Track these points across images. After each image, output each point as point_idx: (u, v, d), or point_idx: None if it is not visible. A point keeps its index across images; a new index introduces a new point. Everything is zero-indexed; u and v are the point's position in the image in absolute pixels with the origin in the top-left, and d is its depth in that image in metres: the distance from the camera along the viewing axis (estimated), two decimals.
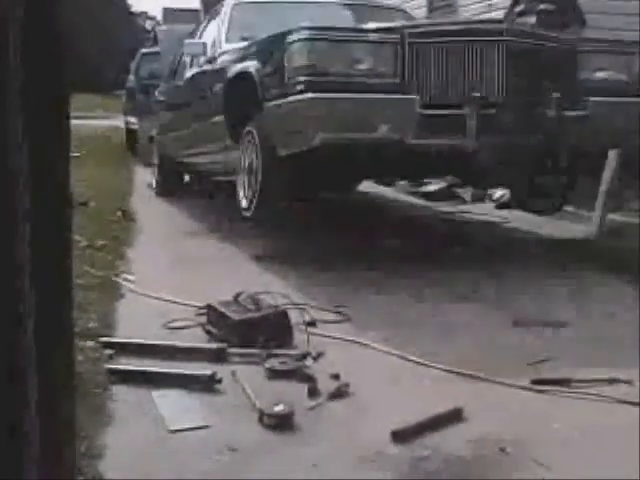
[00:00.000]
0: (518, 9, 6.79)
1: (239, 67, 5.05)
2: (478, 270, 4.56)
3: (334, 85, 4.10)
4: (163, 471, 2.32)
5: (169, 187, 8.03)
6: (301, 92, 4.12)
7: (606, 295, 4.22)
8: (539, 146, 4.48)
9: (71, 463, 1.08)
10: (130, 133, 12.70)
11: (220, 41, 6.00)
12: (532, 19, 6.60)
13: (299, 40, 4.18)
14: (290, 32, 4.29)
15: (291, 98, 4.21)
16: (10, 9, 0.92)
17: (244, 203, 4.97)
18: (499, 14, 7.26)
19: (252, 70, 4.74)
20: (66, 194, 1.11)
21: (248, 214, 4.88)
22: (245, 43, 5.41)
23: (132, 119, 12.25)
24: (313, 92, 4.06)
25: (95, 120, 16.76)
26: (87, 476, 2.15)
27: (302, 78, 4.14)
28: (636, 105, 4.58)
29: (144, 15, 51.01)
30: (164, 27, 15.76)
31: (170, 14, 41.31)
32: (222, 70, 5.55)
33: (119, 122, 15.09)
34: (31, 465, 0.93)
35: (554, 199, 5.57)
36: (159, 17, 44.28)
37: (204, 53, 6.18)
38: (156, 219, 6.85)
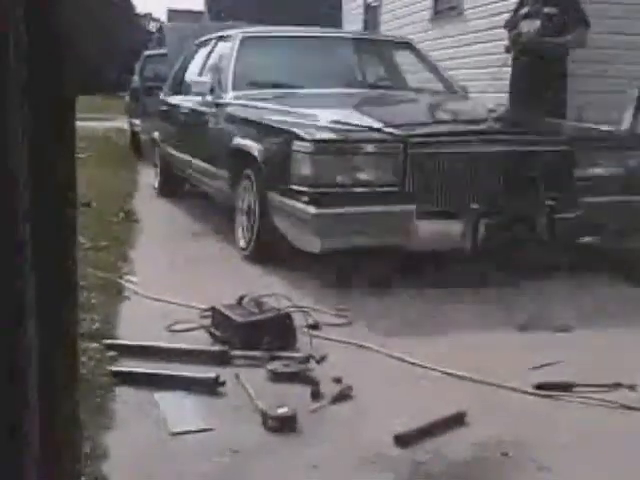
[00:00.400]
0: (522, 12, 6.79)
1: (244, 143, 5.10)
2: (480, 273, 4.54)
3: (336, 198, 4.20)
4: (165, 473, 2.32)
5: (171, 189, 8.03)
6: (305, 203, 4.21)
7: (609, 299, 4.21)
8: (531, 253, 4.55)
9: (71, 464, 1.08)
10: (134, 134, 12.71)
11: (227, 86, 5.96)
12: (536, 22, 6.59)
13: (304, 152, 4.26)
14: (296, 136, 4.36)
15: (296, 204, 4.29)
16: (10, 9, 0.92)
17: (242, 243, 5.03)
18: (504, 17, 7.25)
19: (256, 154, 4.82)
20: (68, 194, 1.11)
21: (246, 254, 4.94)
22: (251, 102, 5.49)
23: (136, 121, 12.25)
24: (316, 207, 4.15)
25: (98, 121, 16.78)
26: (90, 477, 2.15)
27: (305, 189, 4.24)
28: (633, 203, 4.59)
29: (148, 16, 51.10)
30: (170, 25, 15.77)
31: (174, 15, 41.41)
32: (228, 127, 5.59)
33: (122, 123, 15.11)
34: (31, 465, 0.93)
35: None
36: (163, 18, 44.37)
37: (211, 93, 6.13)
38: (158, 220, 6.85)
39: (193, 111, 6.71)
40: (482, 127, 4.84)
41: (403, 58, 7.13)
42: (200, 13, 35.96)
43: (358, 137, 4.38)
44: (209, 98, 6.12)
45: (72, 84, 1.02)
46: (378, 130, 4.40)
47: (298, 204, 4.26)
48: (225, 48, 6.51)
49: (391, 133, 4.36)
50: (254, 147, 4.87)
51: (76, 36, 1.05)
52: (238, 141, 5.19)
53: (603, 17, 7.15)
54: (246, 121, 5.34)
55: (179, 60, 8.15)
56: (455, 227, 4.27)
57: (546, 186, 4.45)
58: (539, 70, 6.47)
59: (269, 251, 4.79)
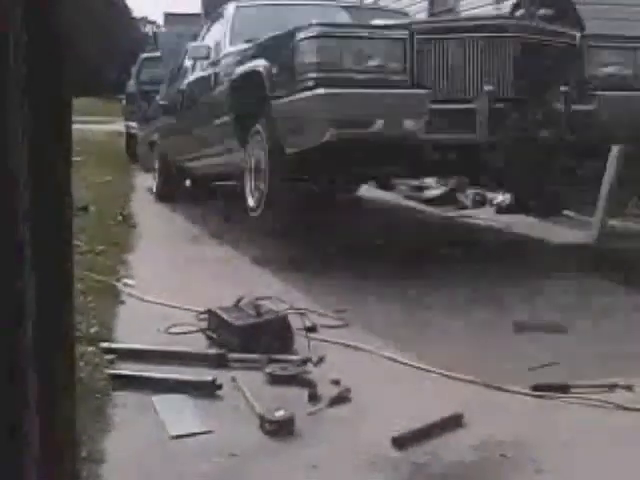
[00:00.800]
0: (517, 14, 6.79)
1: (246, 67, 5.05)
2: (478, 274, 4.55)
3: (345, 81, 4.12)
4: (163, 476, 2.31)
5: (170, 192, 8.03)
6: (312, 88, 4.13)
7: (606, 300, 4.21)
8: (549, 141, 4.48)
9: (71, 464, 1.08)
10: (131, 138, 12.71)
11: (224, 43, 6.00)
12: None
13: (309, 37, 4.19)
14: (299, 29, 4.31)
15: (301, 94, 4.21)
16: (10, 9, 0.93)
17: (251, 203, 4.98)
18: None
19: (260, 69, 4.75)
20: (66, 195, 1.11)
21: (255, 214, 4.90)
22: (250, 44, 5.43)
23: (133, 124, 12.26)
24: (324, 87, 4.07)
25: (95, 124, 16.77)
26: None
27: (313, 74, 4.15)
28: None
29: (145, 20, 51.12)
30: (164, 29, 15.78)
31: (171, 19, 41.41)
32: (227, 71, 5.55)
33: (119, 127, 15.10)
34: (31, 465, 0.93)
35: (557, 202, 5.58)
36: (160, 21, 44.36)
37: (208, 56, 6.18)
38: (156, 224, 6.85)
39: (193, 82, 6.71)
40: (492, 16, 4.83)
41: None
42: (197, 15, 35.95)
43: (364, 24, 4.41)
44: (206, 62, 6.14)
45: (71, 84, 1.03)
46: (383, 27, 4.38)
47: (305, 92, 4.17)
48: (220, 22, 6.54)
49: (396, 24, 4.37)
50: (258, 64, 4.80)
51: (76, 36, 1.05)
52: (241, 69, 5.11)
53: (602, 19, 7.15)
54: (245, 51, 5.29)
55: (174, 61, 8.17)
56: (468, 114, 4.19)
57: (559, 78, 4.44)
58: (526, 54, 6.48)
59: (281, 203, 4.71)
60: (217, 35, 6.39)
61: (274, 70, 4.61)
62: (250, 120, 5.03)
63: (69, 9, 0.97)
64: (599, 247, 5.12)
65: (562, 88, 4.37)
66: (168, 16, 43.43)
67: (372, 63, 4.19)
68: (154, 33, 13.78)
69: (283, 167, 4.61)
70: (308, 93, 4.14)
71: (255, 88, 4.81)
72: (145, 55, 13.23)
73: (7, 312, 0.91)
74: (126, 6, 41.21)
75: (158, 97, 8.62)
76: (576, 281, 4.54)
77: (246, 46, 5.44)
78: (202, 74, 6.37)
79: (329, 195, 5.81)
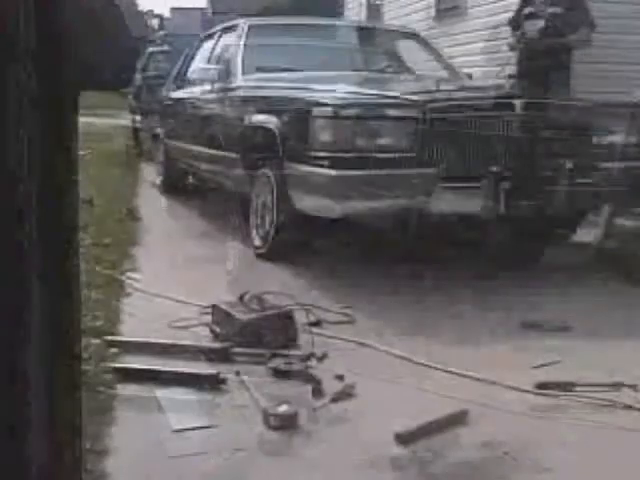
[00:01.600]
0: (526, 11, 6.76)
1: (259, 119, 5.10)
2: (482, 273, 4.54)
3: (357, 161, 4.18)
4: (166, 470, 2.31)
5: (174, 186, 8.03)
6: (325, 167, 4.21)
7: (611, 299, 4.20)
8: (551, 217, 4.55)
9: (72, 463, 1.08)
10: (136, 131, 12.70)
11: (236, 72, 5.96)
12: (540, 22, 6.57)
13: (324, 117, 4.28)
14: (315, 104, 4.39)
15: (314, 169, 4.31)
16: (11, 8, 0.92)
17: (257, 242, 5.03)
18: (507, 16, 7.23)
19: (273, 127, 4.82)
20: (71, 193, 1.11)
21: (262, 252, 4.94)
22: (266, 78, 5.47)
23: (138, 117, 12.25)
24: (337, 170, 4.15)
25: (100, 118, 16.77)
26: (91, 475, 2.15)
27: (326, 154, 4.25)
28: None
29: (150, 13, 51.02)
30: (165, 32, 15.78)
31: (177, 13, 41.38)
32: (238, 110, 5.57)
33: (124, 120, 15.09)
34: (31, 465, 0.93)
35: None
36: (166, 15, 44.28)
37: (219, 78, 6.13)
38: (161, 218, 6.85)
39: (201, 100, 6.69)
40: (500, 93, 4.83)
41: (409, 48, 7.12)
42: (202, 10, 35.92)
43: (377, 102, 4.39)
44: (218, 85, 6.12)
45: (73, 82, 1.02)
46: (396, 97, 4.40)
47: (318, 169, 4.25)
48: (231, 38, 6.52)
49: (409, 99, 4.37)
50: (271, 122, 4.86)
51: (75, 34, 1.05)
52: (254, 118, 5.16)
53: (610, 17, 7.12)
54: (260, 98, 5.34)
55: (182, 55, 8.15)
56: (476, 191, 4.23)
57: (564, 152, 4.44)
58: (542, 69, 6.45)
59: (287, 248, 4.76)
60: (228, 54, 6.30)
61: (286, 132, 4.69)
62: (259, 162, 5.09)
63: (70, 6, 0.96)
64: (604, 246, 5.10)
65: (567, 165, 4.38)
66: (174, 10, 43.38)
67: (384, 142, 4.25)
68: (160, 29, 13.78)
69: (290, 218, 4.68)
70: (321, 170, 4.24)
71: (267, 140, 4.89)
72: (151, 49, 13.20)
73: (8, 311, 0.91)
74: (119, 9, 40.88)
75: (164, 91, 8.60)
76: (581, 280, 4.52)
77: (258, 87, 5.49)
78: (212, 96, 6.31)
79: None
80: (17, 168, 0.96)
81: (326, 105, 4.32)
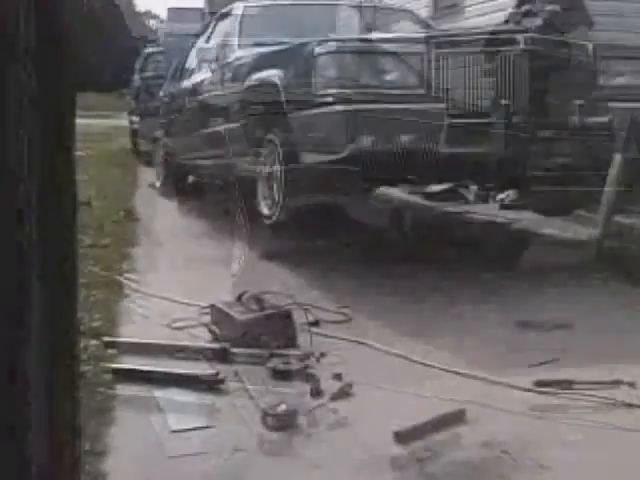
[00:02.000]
0: (524, 9, 6.75)
1: (259, 75, 5.04)
2: (481, 271, 4.54)
3: (363, 97, 4.13)
4: (165, 471, 2.31)
5: (173, 187, 8.02)
6: (330, 104, 4.15)
7: (609, 297, 4.20)
8: (564, 154, 4.49)
9: (71, 463, 1.08)
10: (135, 133, 12.70)
11: (233, 46, 5.95)
12: (538, 20, 6.57)
13: (328, 52, 4.22)
14: (317, 43, 4.32)
15: (320, 109, 4.24)
16: (11, 8, 0.92)
17: (265, 211, 4.98)
18: (505, 14, 7.22)
19: (275, 79, 4.75)
20: (70, 192, 1.11)
21: (270, 221, 4.90)
22: (261, 49, 5.41)
23: (136, 118, 12.25)
24: (343, 104, 4.10)
25: (98, 119, 16.75)
26: (90, 476, 2.15)
27: (331, 90, 4.18)
28: None
29: (148, 14, 50.95)
30: (164, 26, 15.74)
31: (175, 13, 41.27)
32: (238, 77, 5.51)
33: (122, 121, 15.07)
34: (31, 465, 0.93)
35: (567, 203, 5.56)
36: (163, 15, 44.19)
37: (217, 59, 6.13)
38: (159, 219, 6.84)
39: (200, 84, 6.66)
40: (507, 29, 4.81)
41: (406, 25, 7.09)
42: (201, 10, 35.85)
43: (381, 37, 4.37)
44: (215, 65, 6.10)
45: (72, 83, 1.02)
46: (398, 38, 4.39)
47: (323, 108, 4.19)
48: (227, 21, 6.51)
49: (412, 36, 4.35)
50: (272, 75, 4.80)
51: (76, 34, 1.05)
52: (254, 77, 5.10)
53: (608, 15, 7.12)
54: (259, 59, 5.28)
55: (179, 59, 8.15)
56: (485, 127, 4.20)
57: (574, 90, 4.43)
58: (540, 67, 6.44)
59: (295, 212, 4.70)
60: (224, 36, 6.32)
61: (290, 81, 4.62)
62: (262, 128, 5.03)
63: (70, 7, 0.97)
64: (603, 244, 5.10)
65: (577, 101, 4.37)
66: (172, 10, 43.29)
67: (389, 78, 4.20)
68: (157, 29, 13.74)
69: (298, 177, 4.61)
70: (327, 109, 4.17)
71: (269, 98, 4.82)
72: (149, 50, 13.20)
73: (8, 312, 0.91)
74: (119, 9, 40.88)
75: (161, 92, 8.60)
76: (579, 278, 4.52)
77: (258, 51, 5.42)
78: (210, 77, 6.31)
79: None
80: (17, 168, 0.96)
81: (328, 41, 4.24)
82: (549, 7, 6.52)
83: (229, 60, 5.89)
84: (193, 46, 7.83)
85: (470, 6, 9.15)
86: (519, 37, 4.49)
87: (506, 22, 7.02)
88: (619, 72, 4.68)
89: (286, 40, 5.66)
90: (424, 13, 10.35)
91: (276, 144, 4.81)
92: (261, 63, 5.19)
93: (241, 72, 5.52)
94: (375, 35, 4.68)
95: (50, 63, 0.99)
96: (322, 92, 4.24)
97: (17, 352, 0.92)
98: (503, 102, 4.20)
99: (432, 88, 4.21)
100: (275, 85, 4.74)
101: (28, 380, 0.94)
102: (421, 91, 4.21)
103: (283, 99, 4.66)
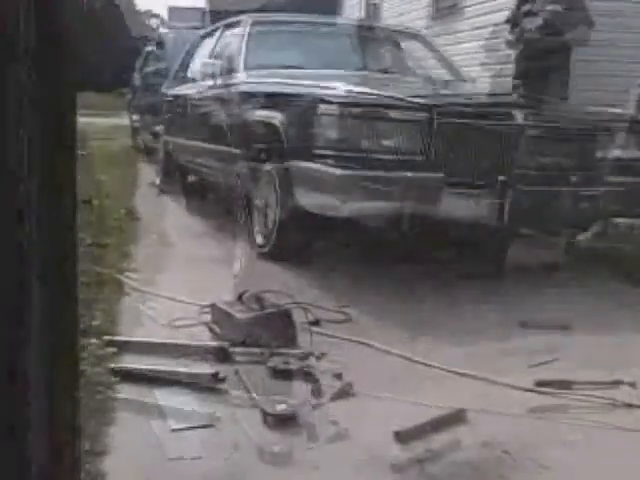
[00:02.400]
0: (525, 9, 6.76)
1: (263, 114, 5.06)
2: (480, 271, 4.54)
3: (362, 161, 4.13)
4: (165, 470, 2.31)
5: (173, 186, 8.02)
6: (331, 166, 4.17)
7: (609, 297, 4.20)
8: (556, 226, 4.53)
9: (71, 463, 1.08)
10: (135, 131, 12.70)
11: (238, 67, 5.94)
12: (539, 20, 6.57)
13: (331, 115, 4.24)
14: (320, 100, 4.35)
15: (320, 167, 4.26)
16: (11, 8, 0.92)
17: (259, 240, 5.00)
18: (506, 13, 7.23)
19: (277, 123, 4.78)
20: (70, 193, 1.11)
21: (264, 250, 4.91)
22: (268, 74, 5.46)
23: (137, 117, 12.25)
24: (342, 169, 4.11)
25: (98, 118, 16.75)
26: (89, 476, 2.15)
27: (332, 152, 4.20)
28: None
29: (148, 13, 50.98)
30: (167, 30, 15.71)
31: (175, 12, 41.31)
32: (241, 106, 5.52)
33: (122, 120, 15.07)
34: (31, 465, 0.93)
35: None
36: (164, 14, 44.18)
37: (221, 74, 6.10)
38: (159, 218, 6.84)
39: (202, 96, 6.67)
40: (508, 100, 4.81)
41: (412, 49, 7.11)
42: (200, 9, 35.86)
43: (384, 102, 4.32)
44: (219, 80, 6.09)
45: (72, 82, 1.02)
46: (401, 99, 4.37)
47: (324, 167, 4.21)
48: (234, 33, 6.50)
49: (415, 102, 4.34)
50: (275, 117, 4.82)
51: (76, 34, 1.05)
52: (257, 114, 5.12)
53: (608, 15, 7.12)
54: (264, 94, 5.29)
55: (182, 52, 8.14)
56: (483, 198, 4.20)
57: (570, 165, 4.45)
58: (541, 67, 6.45)
59: (290, 244, 4.73)
60: (231, 49, 6.29)
61: (291, 128, 4.65)
62: (261, 159, 5.05)
63: (71, 8, 0.96)
64: (597, 244, 5.11)
65: (572, 177, 4.38)
66: (172, 10, 43.32)
67: (390, 144, 4.20)
68: (159, 36, 13.67)
69: (294, 216, 4.63)
70: (326, 169, 4.19)
71: (270, 137, 4.86)
72: (149, 48, 13.19)
73: (8, 311, 0.91)
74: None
75: (164, 89, 8.60)
76: (579, 278, 4.53)
77: (264, 80, 5.45)
78: (213, 93, 6.28)
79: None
80: (17, 168, 0.96)
81: (332, 102, 4.28)
82: (550, 7, 6.52)
83: (234, 81, 5.86)
84: (196, 45, 7.83)
85: (470, 6, 9.14)
86: (522, 111, 4.49)
87: (507, 22, 7.04)
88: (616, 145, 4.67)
89: (290, 66, 5.69)
90: (424, 14, 10.38)
91: (273, 177, 4.84)
92: (264, 100, 5.20)
93: (245, 101, 5.53)
94: (378, 92, 4.63)
95: (50, 63, 0.99)
96: (321, 152, 4.29)
97: (17, 352, 0.92)
98: (500, 178, 4.19)
99: (432, 155, 4.22)
100: (276, 128, 4.78)
101: (28, 380, 0.94)
102: (422, 157, 4.22)
103: (283, 141, 4.71)
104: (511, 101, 4.87)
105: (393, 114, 4.27)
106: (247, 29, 6.26)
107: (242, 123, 5.35)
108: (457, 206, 4.16)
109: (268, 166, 4.94)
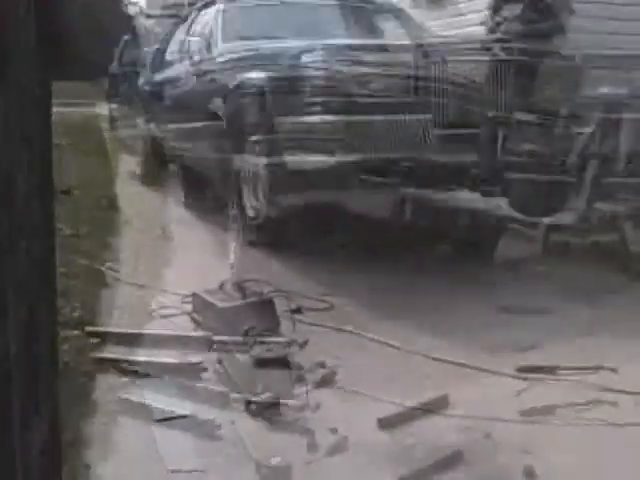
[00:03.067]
0: (504, 13, 6.69)
1: (246, 76, 4.97)
2: (465, 258, 4.55)
3: (352, 106, 4.10)
4: (147, 460, 2.31)
5: (154, 175, 7.94)
6: (320, 113, 4.14)
7: (591, 284, 4.22)
8: (550, 163, 4.48)
9: (53, 455, 1.08)
10: (113, 120, 12.59)
11: (217, 39, 5.86)
12: (519, 7, 6.53)
13: (318, 61, 4.20)
14: (306, 50, 4.31)
15: (308, 118, 4.22)
16: (11, 8, 0.91)
17: (250, 213, 4.94)
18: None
19: (262, 82, 4.71)
20: (47, 179, 1.10)
21: (256, 222, 4.86)
22: (247, 45, 5.36)
23: (115, 106, 12.14)
24: (332, 114, 4.09)
25: (74, 107, 16.59)
26: (72, 465, 2.14)
27: (321, 99, 4.16)
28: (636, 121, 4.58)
29: (126, 1, 50.50)
30: (143, 19, 15.51)
31: (154, 3, 40.89)
32: (223, 74, 5.43)
33: (100, 109, 14.92)
34: (15, 460, 0.92)
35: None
36: (142, 3, 43.69)
37: (199, 52, 6.01)
38: (141, 207, 6.79)
39: (181, 76, 6.57)
40: (493, 37, 4.80)
41: (393, 25, 7.02)
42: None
43: (368, 44, 4.34)
44: (198, 57, 6.01)
45: (53, 68, 1.01)
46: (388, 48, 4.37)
47: (313, 116, 4.16)
48: (210, 11, 6.42)
49: (403, 44, 4.32)
50: (259, 78, 4.74)
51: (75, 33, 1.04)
52: (240, 77, 5.02)
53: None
54: (246, 58, 5.21)
55: (160, 45, 8.06)
56: (472, 137, 4.18)
57: (559, 99, 4.43)
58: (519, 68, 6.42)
59: (281, 214, 4.65)
60: (208, 27, 6.23)
61: (277, 85, 4.57)
62: (248, 128, 4.98)
63: (71, 8, 0.96)
64: (580, 232, 5.12)
65: (561, 111, 4.35)
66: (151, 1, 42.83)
67: (377, 87, 4.15)
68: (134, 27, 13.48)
69: (283, 181, 4.56)
70: (315, 118, 4.15)
71: (255, 99, 4.77)
72: (126, 37, 13.07)
73: None
74: None
75: (142, 79, 8.52)
76: (559, 265, 4.54)
77: (243, 48, 5.36)
78: (193, 69, 6.21)
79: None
80: (17, 168, 0.95)
81: (316, 50, 4.22)
82: (526, 13, 6.47)
83: (213, 55, 5.80)
84: (173, 32, 7.75)
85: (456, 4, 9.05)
86: (507, 45, 4.46)
87: (489, 9, 6.99)
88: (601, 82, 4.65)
89: (269, 37, 5.60)
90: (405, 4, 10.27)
91: (261, 145, 4.77)
92: (246, 63, 5.12)
93: (226, 70, 5.44)
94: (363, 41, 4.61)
95: (50, 63, 0.98)
96: (309, 100, 4.22)
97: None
98: (490, 114, 4.17)
99: (420, 97, 4.17)
100: (262, 88, 4.69)
101: (11, 370, 0.92)
102: (410, 99, 4.18)
103: (269, 101, 4.62)
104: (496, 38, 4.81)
105: (379, 58, 4.23)
106: (222, 5, 6.18)
107: (224, 94, 5.25)
108: (447, 146, 4.11)
109: (256, 135, 4.81)
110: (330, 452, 2.34)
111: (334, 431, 2.43)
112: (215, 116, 5.42)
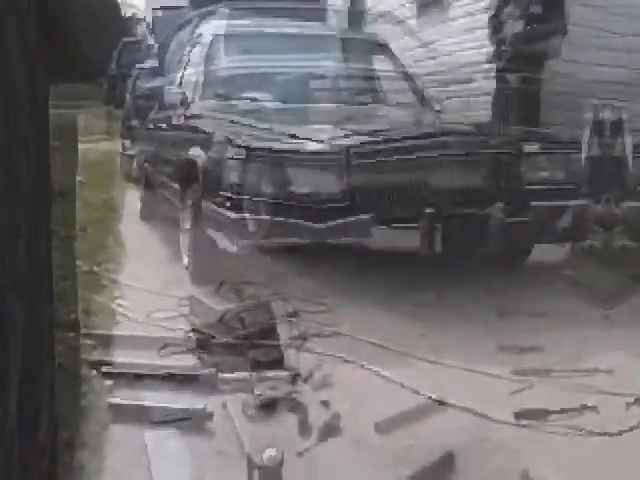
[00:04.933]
0: (507, 11, 6.69)
1: (191, 152, 4.86)
2: (463, 261, 4.55)
3: (274, 207, 3.94)
4: (141, 463, 2.31)
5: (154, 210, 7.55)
6: (228, 208, 4.00)
7: (589, 287, 4.22)
8: (485, 252, 4.43)
9: (50, 456, 1.07)
10: (111, 121, 12.59)
11: (194, 97, 5.60)
12: (519, 24, 6.53)
13: (235, 159, 4.09)
14: (231, 143, 4.20)
15: (220, 209, 4.09)
16: (11, 7, 0.91)
17: (185, 261, 4.76)
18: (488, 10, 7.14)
19: (198, 160, 4.60)
20: (44, 180, 1.10)
21: (188, 271, 4.65)
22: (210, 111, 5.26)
23: (113, 108, 12.15)
24: (236, 212, 3.94)
25: (72, 109, 16.57)
26: (67, 467, 2.14)
27: (230, 194, 4.03)
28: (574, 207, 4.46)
29: (125, 3, 50.53)
30: (159, 14, 15.40)
31: (159, 12, 40.78)
32: (184, 140, 5.31)
33: (98, 111, 14.90)
34: (13, 462, 0.92)
35: None
36: (142, 6, 43.74)
37: (181, 104, 5.83)
38: (137, 208, 6.76)
39: (166, 125, 6.42)
40: (423, 132, 4.75)
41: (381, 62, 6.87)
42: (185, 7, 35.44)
43: (295, 147, 4.16)
44: (179, 111, 5.87)
45: (53, 69, 1.01)
46: (321, 142, 4.23)
47: (223, 210, 4.05)
48: (198, 49, 6.23)
49: (332, 144, 4.18)
50: (198, 155, 4.65)
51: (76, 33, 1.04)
52: (188, 152, 4.93)
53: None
54: (197, 131, 5.12)
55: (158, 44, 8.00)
56: (412, 232, 4.08)
57: (497, 190, 4.34)
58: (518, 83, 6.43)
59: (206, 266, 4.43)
60: (193, 76, 6.02)
61: (209, 166, 4.45)
62: (189, 185, 4.83)
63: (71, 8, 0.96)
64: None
65: (497, 204, 4.21)
66: (156, 10, 42.77)
67: (308, 190, 4.02)
68: (136, 18, 13.43)
69: (209, 254, 4.32)
70: (224, 211, 4.04)
71: (191, 173, 4.68)
72: (126, 39, 13.08)
73: None
74: None
75: (139, 83, 8.48)
76: (556, 268, 4.55)
77: (210, 117, 5.25)
78: (175, 122, 6.07)
79: None
80: (17, 168, 0.95)
81: (239, 147, 4.11)
82: (532, 9, 6.47)
83: (189, 112, 5.56)
84: (171, 37, 7.70)
85: (455, 8, 9.05)
86: (441, 141, 4.35)
87: (489, 25, 6.96)
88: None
89: (249, 98, 5.32)
90: (407, 13, 10.24)
91: (194, 204, 4.61)
92: (197, 138, 4.99)
93: (186, 138, 5.30)
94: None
95: (50, 62, 0.98)
96: (225, 192, 4.09)
97: None
98: (428, 211, 4.06)
99: (356, 198, 4.06)
100: (197, 166, 4.57)
101: (8, 372, 0.92)
102: (346, 202, 4.04)
103: (201, 181, 4.49)
104: (426, 133, 4.74)
105: (306, 159, 4.13)
106: (204, 51, 5.88)
107: (178, 160, 5.16)
108: (388, 242, 4.02)
109: (189, 198, 4.74)
110: None
111: None
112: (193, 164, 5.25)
